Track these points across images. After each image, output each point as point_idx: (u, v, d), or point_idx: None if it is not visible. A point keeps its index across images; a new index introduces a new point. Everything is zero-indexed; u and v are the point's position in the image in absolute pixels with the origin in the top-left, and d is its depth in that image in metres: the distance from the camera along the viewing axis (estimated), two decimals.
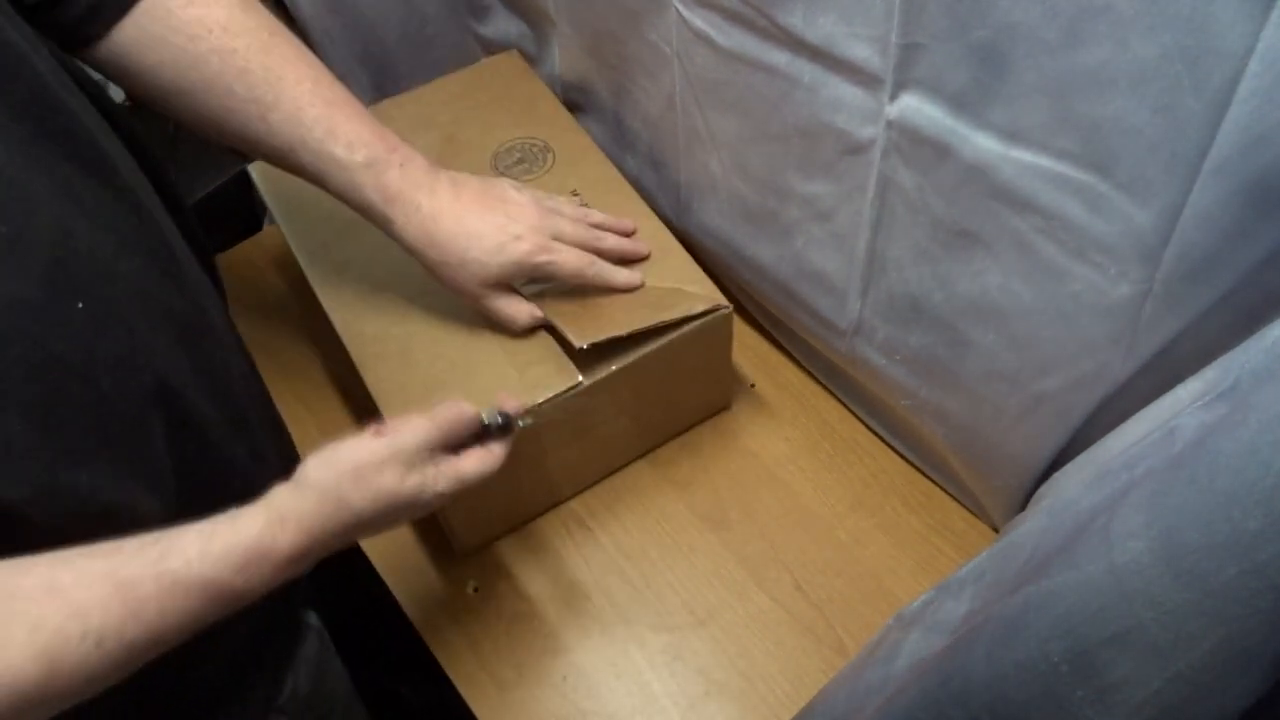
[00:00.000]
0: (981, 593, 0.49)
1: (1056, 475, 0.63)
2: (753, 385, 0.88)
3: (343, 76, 1.00)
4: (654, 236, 0.78)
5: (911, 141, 0.59)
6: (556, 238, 0.69)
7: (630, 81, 0.84)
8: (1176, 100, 0.44)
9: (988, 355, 0.64)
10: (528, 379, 0.70)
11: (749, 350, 0.90)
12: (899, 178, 0.62)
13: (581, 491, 0.82)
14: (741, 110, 0.72)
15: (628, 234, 0.77)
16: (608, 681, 0.73)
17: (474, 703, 0.72)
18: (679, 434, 0.85)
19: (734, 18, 0.66)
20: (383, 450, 0.55)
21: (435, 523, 0.76)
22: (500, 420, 0.62)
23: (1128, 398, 0.56)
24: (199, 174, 1.12)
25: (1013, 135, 0.53)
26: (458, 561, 0.79)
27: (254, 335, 0.91)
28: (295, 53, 0.63)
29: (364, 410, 0.86)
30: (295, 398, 0.88)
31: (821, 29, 0.60)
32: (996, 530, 0.78)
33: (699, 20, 0.70)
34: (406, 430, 0.57)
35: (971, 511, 0.79)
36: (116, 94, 1.19)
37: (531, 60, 0.97)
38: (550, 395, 0.69)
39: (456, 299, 0.71)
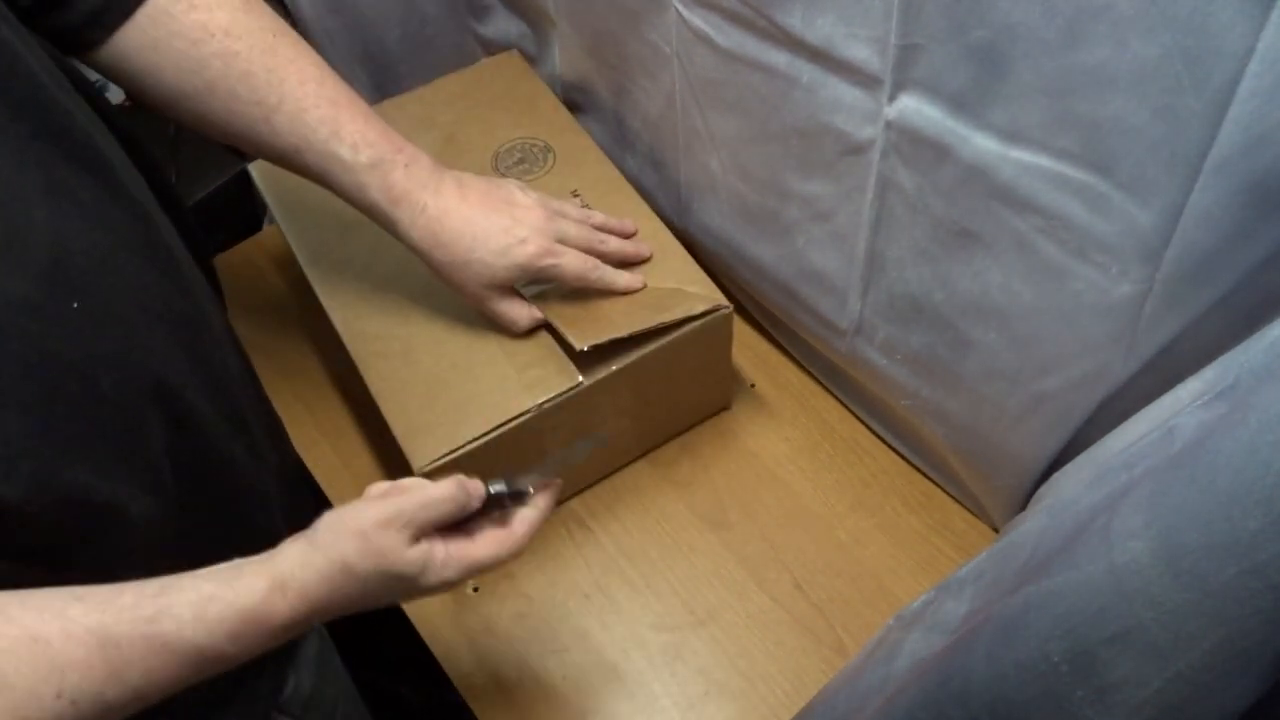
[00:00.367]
0: (981, 593, 0.49)
1: (1056, 475, 0.63)
2: (753, 385, 0.88)
3: (343, 77, 1.00)
4: (654, 237, 0.78)
5: (911, 142, 0.59)
6: (561, 240, 0.69)
7: (630, 81, 0.84)
8: (1177, 100, 0.44)
9: (988, 355, 0.64)
10: (528, 379, 0.70)
11: (749, 350, 0.90)
12: (898, 178, 0.62)
13: (583, 491, 0.82)
14: (741, 110, 0.72)
15: (629, 236, 0.77)
16: (608, 681, 0.73)
17: (474, 703, 0.72)
18: (679, 434, 0.85)
19: (733, 18, 0.66)
20: (386, 510, 0.53)
21: None
22: (506, 489, 0.57)
23: (1128, 397, 0.56)
24: (199, 174, 1.12)
25: (1012, 135, 0.53)
26: None
27: (254, 335, 0.91)
28: (298, 53, 0.63)
29: (364, 410, 0.86)
30: (295, 398, 0.88)
31: (820, 29, 0.60)
32: (996, 530, 0.78)
33: (699, 20, 0.70)
34: (409, 495, 0.54)
35: (971, 511, 0.79)
36: (116, 94, 1.19)
37: (531, 60, 0.97)
38: (551, 396, 0.69)
39: (457, 299, 0.71)
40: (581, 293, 0.72)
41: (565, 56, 0.93)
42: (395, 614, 0.77)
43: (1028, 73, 0.50)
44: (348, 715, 0.77)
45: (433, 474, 0.67)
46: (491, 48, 1.03)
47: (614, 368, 0.71)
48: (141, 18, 0.58)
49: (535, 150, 0.85)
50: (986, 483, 0.73)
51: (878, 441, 0.84)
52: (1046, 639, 0.36)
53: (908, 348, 0.71)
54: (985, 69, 0.52)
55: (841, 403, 0.86)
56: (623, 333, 0.70)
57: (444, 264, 0.67)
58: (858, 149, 0.64)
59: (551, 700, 0.72)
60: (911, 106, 0.58)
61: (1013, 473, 0.68)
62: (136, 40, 0.58)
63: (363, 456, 0.85)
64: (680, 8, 0.71)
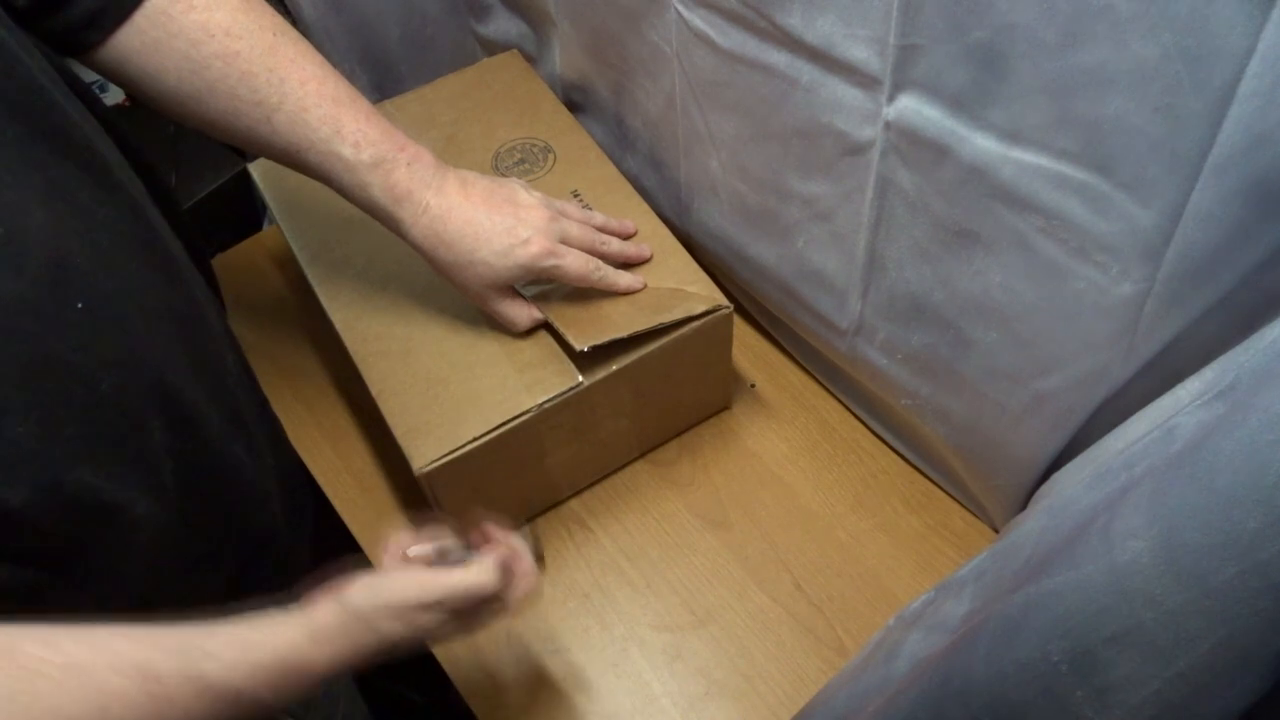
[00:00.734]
0: (981, 592, 0.49)
1: (1056, 475, 0.63)
2: (753, 385, 0.88)
3: (343, 77, 0.99)
4: (655, 237, 0.78)
5: (910, 142, 0.59)
6: (563, 240, 0.69)
7: (631, 81, 0.84)
8: (1177, 100, 0.44)
9: (989, 354, 0.64)
10: (528, 379, 0.70)
11: (749, 350, 0.90)
12: (898, 178, 0.62)
13: (581, 491, 0.82)
14: (741, 111, 0.72)
15: (629, 236, 0.77)
16: (608, 681, 0.73)
17: (474, 703, 0.72)
18: (679, 434, 0.85)
19: (733, 18, 0.66)
20: (427, 595, 0.54)
21: None
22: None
23: (1129, 397, 0.56)
24: (199, 174, 1.12)
25: (1012, 135, 0.53)
26: None
27: (254, 335, 0.92)
28: (300, 52, 0.62)
29: (365, 409, 0.86)
30: (295, 397, 0.88)
31: (820, 30, 0.60)
32: (996, 530, 0.78)
33: (699, 20, 0.70)
34: (454, 583, 0.55)
35: (971, 511, 0.79)
36: (115, 94, 1.19)
37: (532, 60, 0.97)
38: (550, 396, 0.69)
39: (457, 298, 0.71)
40: (582, 293, 0.72)
41: (566, 56, 0.93)
42: None
43: (1027, 73, 0.50)
44: (348, 715, 0.77)
45: (432, 475, 0.67)
46: (492, 48, 1.03)
47: (614, 368, 0.71)
48: (140, 19, 0.57)
49: (535, 150, 0.85)
50: (986, 482, 0.73)
51: (878, 441, 0.84)
52: (1046, 639, 0.36)
53: (908, 347, 0.71)
54: (985, 69, 0.52)
55: (841, 403, 0.86)
56: (623, 333, 0.70)
57: (446, 263, 0.67)
58: (857, 149, 0.64)
59: (551, 700, 0.72)
60: (911, 107, 0.58)
61: (1013, 472, 0.68)
62: (135, 42, 0.58)
63: (363, 456, 0.85)
64: (680, 8, 0.71)
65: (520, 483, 0.76)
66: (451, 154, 0.85)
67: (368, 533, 0.80)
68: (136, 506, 0.51)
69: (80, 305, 0.48)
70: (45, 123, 0.50)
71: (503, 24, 1.00)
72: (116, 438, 0.50)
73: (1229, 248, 0.46)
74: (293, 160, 0.63)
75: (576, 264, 0.69)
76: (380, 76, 1.02)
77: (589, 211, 0.77)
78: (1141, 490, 0.34)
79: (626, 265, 0.75)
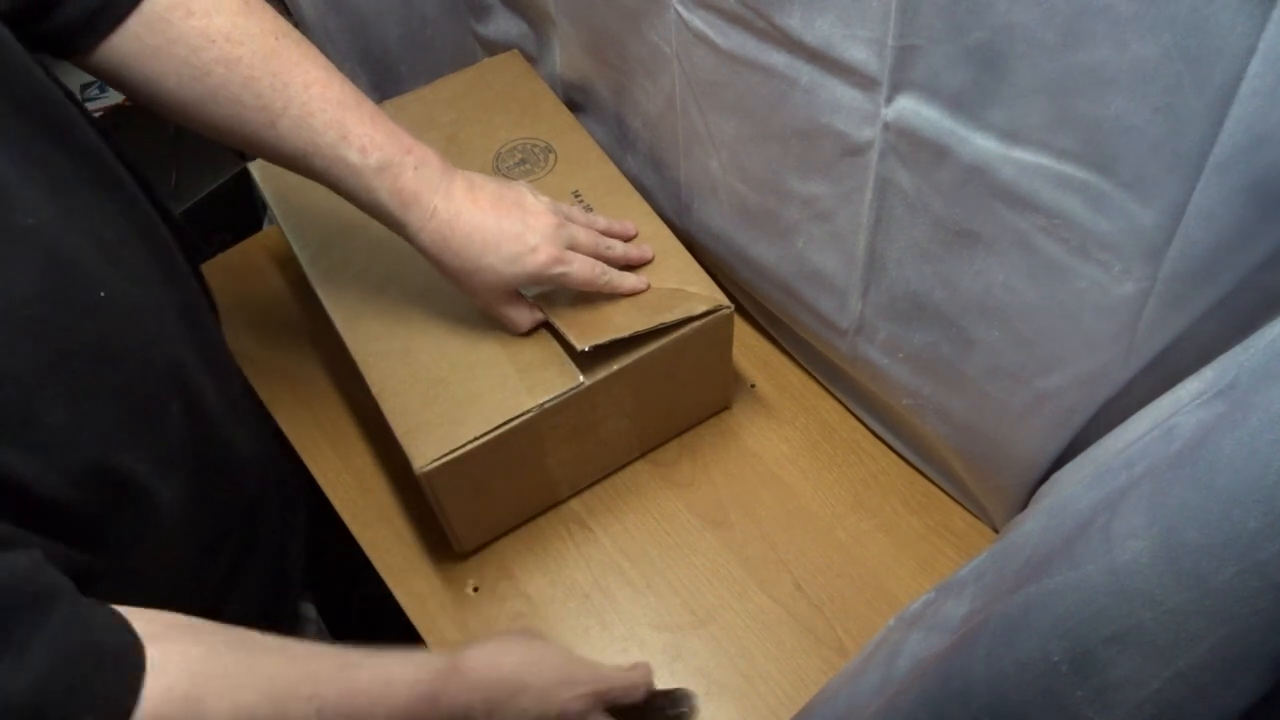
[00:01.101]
0: (981, 593, 0.49)
1: (1056, 475, 0.63)
2: (753, 386, 0.88)
3: None
4: (656, 237, 0.78)
5: (910, 143, 0.59)
6: (571, 246, 0.69)
7: (631, 81, 0.84)
8: (1178, 99, 0.44)
9: (991, 352, 0.64)
10: (529, 379, 0.70)
11: (750, 351, 0.90)
12: (897, 179, 0.62)
13: (582, 491, 0.82)
14: (741, 111, 0.72)
15: (630, 238, 0.77)
16: None
17: None
18: (679, 434, 0.85)
19: (733, 18, 0.66)
20: (585, 674, 0.61)
21: (435, 523, 0.76)
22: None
23: (1130, 397, 0.56)
24: (199, 174, 1.12)
25: (1012, 135, 0.53)
26: (458, 561, 0.79)
27: (254, 335, 0.92)
28: (302, 55, 0.62)
29: (365, 409, 0.86)
30: (295, 397, 0.88)
31: (819, 31, 0.60)
32: (996, 531, 0.78)
33: (698, 21, 0.70)
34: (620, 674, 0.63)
35: (971, 512, 0.79)
36: (115, 94, 1.19)
37: (532, 60, 0.97)
38: (551, 396, 0.69)
39: (458, 298, 0.71)
40: (584, 293, 0.72)
41: (566, 56, 0.93)
42: (395, 614, 0.77)
43: (1027, 73, 0.50)
44: None
45: (433, 474, 0.67)
46: (492, 48, 1.03)
47: (615, 367, 0.71)
48: (137, 25, 0.57)
49: (536, 150, 0.85)
50: (987, 483, 0.73)
51: (878, 442, 0.84)
52: (1046, 639, 0.36)
53: (910, 346, 0.71)
54: (984, 70, 0.52)
55: (841, 403, 0.86)
56: (623, 333, 0.70)
57: (453, 269, 0.66)
58: (856, 150, 0.64)
59: None
60: (910, 108, 0.58)
61: (1014, 472, 0.68)
62: (133, 48, 0.57)
63: (363, 456, 0.85)
64: (680, 8, 0.71)
65: (521, 482, 0.76)
66: (452, 154, 0.84)
67: (368, 533, 0.80)
68: (162, 491, 0.52)
69: (102, 294, 0.49)
70: (49, 120, 0.50)
71: (503, 24, 1.00)
72: (143, 422, 0.52)
73: (1230, 247, 0.46)
74: (298, 165, 0.63)
75: (583, 270, 0.69)
76: (380, 76, 1.02)
77: (591, 215, 0.77)
78: (1141, 490, 0.34)
79: (629, 268, 0.75)
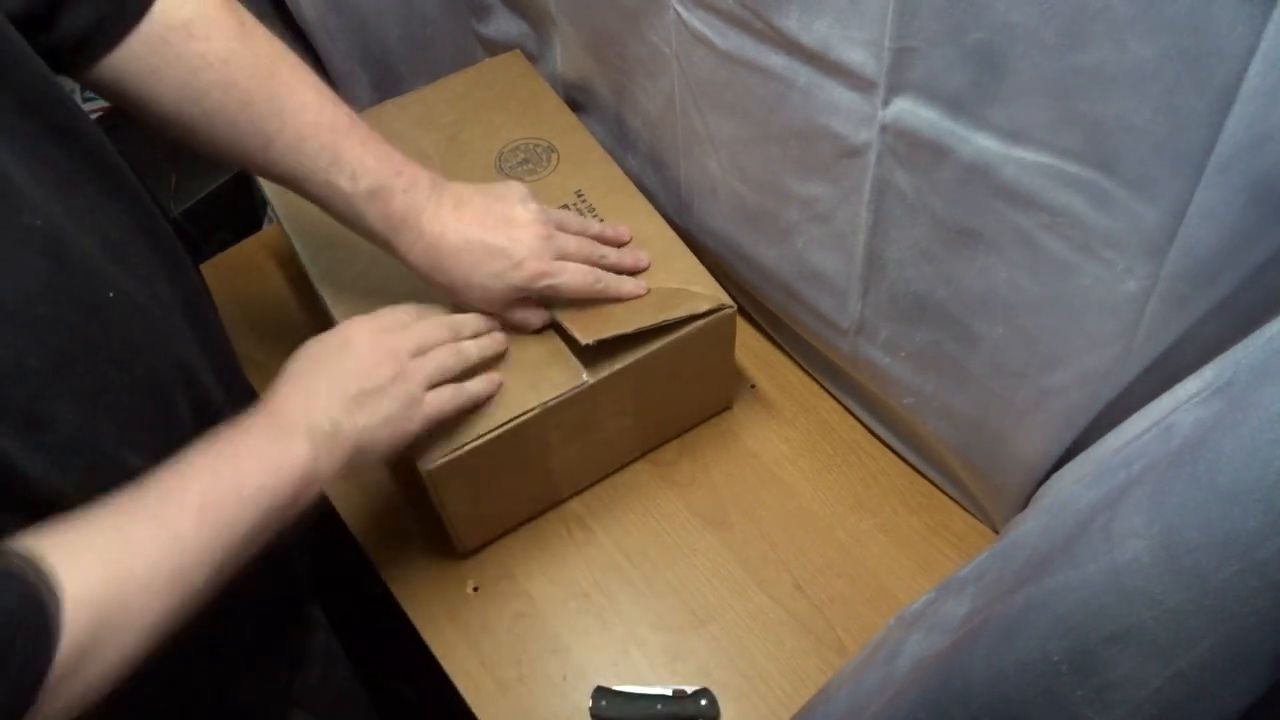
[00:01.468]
0: (982, 593, 0.49)
1: (1056, 474, 0.63)
2: (754, 386, 0.88)
3: (343, 76, 1.00)
4: (658, 236, 0.78)
5: (908, 145, 0.59)
6: (561, 256, 0.69)
7: (631, 81, 0.84)
8: (1179, 99, 0.44)
9: (996, 349, 0.64)
10: (532, 378, 0.70)
11: (750, 351, 0.90)
12: (896, 180, 0.62)
13: (583, 491, 0.82)
14: (740, 112, 0.72)
15: (624, 243, 0.77)
16: (608, 681, 0.73)
17: (474, 703, 0.72)
18: (681, 434, 0.85)
19: (732, 20, 0.66)
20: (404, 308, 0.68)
21: (436, 523, 0.76)
22: None
23: (1132, 396, 0.56)
24: (199, 174, 1.12)
25: (1014, 135, 0.53)
26: (458, 561, 0.79)
27: (256, 333, 0.92)
28: (298, 78, 0.62)
29: None
30: None
31: (816, 32, 0.60)
32: (996, 531, 0.78)
33: (697, 22, 0.70)
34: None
35: (971, 512, 0.79)
36: None
37: (533, 60, 0.97)
38: (554, 395, 0.69)
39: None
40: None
41: (566, 56, 0.93)
42: (395, 614, 0.77)
43: (1027, 73, 0.50)
44: (354, 711, 0.78)
45: (436, 472, 0.67)
46: (492, 47, 1.03)
47: (617, 367, 0.71)
48: (137, 44, 0.57)
49: (539, 150, 0.85)
50: (987, 482, 0.73)
51: (878, 442, 0.84)
52: (1047, 638, 0.36)
53: (912, 345, 0.71)
54: (983, 70, 0.52)
55: (841, 403, 0.86)
56: (627, 329, 0.70)
57: (445, 285, 0.67)
58: (853, 152, 0.64)
59: (551, 700, 0.72)
60: (907, 109, 0.58)
61: (1014, 472, 0.68)
62: (132, 66, 0.57)
63: None
64: (679, 9, 0.71)
65: (523, 481, 0.76)
66: (454, 155, 0.85)
67: (368, 533, 0.80)
68: None
69: (110, 294, 0.49)
70: (54, 119, 0.50)
71: (503, 24, 1.00)
72: (150, 419, 0.52)
73: (1232, 246, 0.46)
74: (292, 186, 0.64)
75: (574, 279, 0.69)
76: (380, 76, 1.02)
77: (586, 221, 0.76)
78: (1141, 489, 0.34)
79: (625, 274, 0.75)
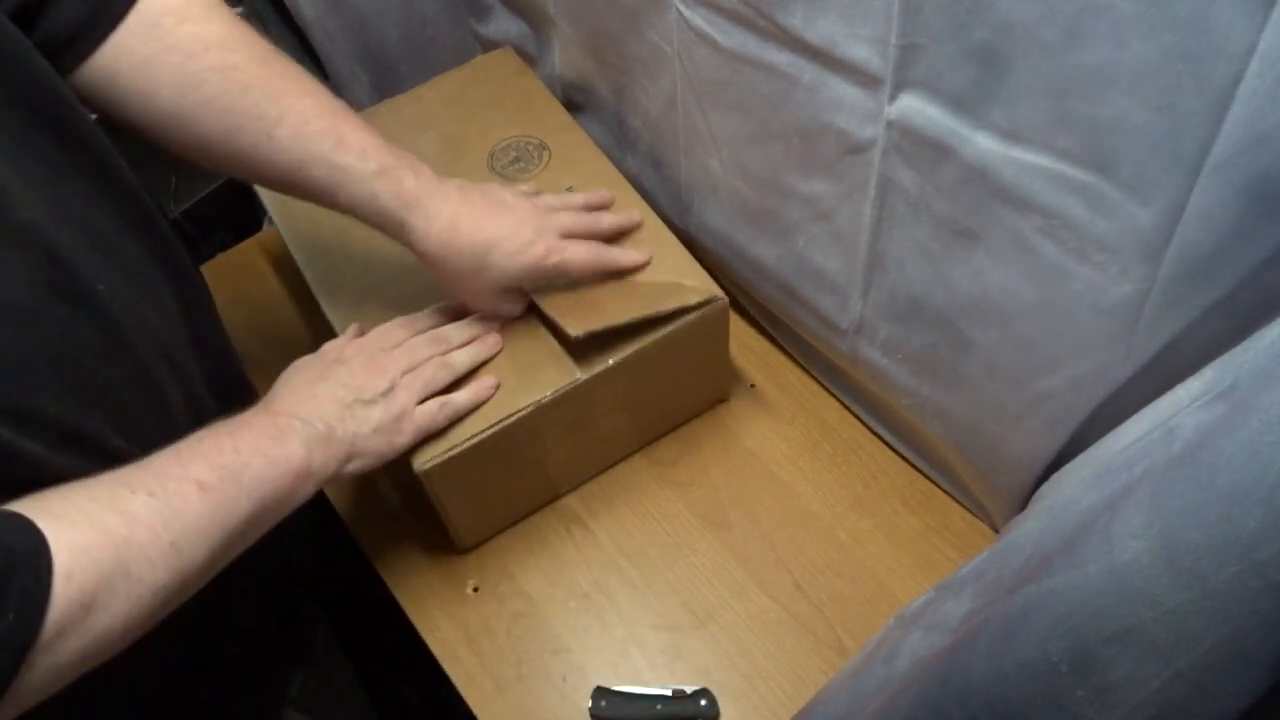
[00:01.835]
0: (981, 592, 0.49)
1: (1056, 475, 0.63)
2: (753, 385, 0.88)
3: (343, 76, 1.00)
4: (650, 230, 0.78)
5: (912, 142, 0.59)
6: (562, 233, 0.69)
7: (631, 81, 0.84)
8: (1177, 100, 0.44)
9: (990, 353, 0.64)
10: (526, 376, 0.70)
11: (749, 351, 0.90)
12: (899, 178, 0.62)
13: (581, 485, 0.82)
14: (742, 110, 0.72)
15: (607, 204, 0.78)
16: (608, 681, 0.73)
17: (474, 703, 0.72)
18: (676, 427, 0.85)
19: (734, 17, 0.66)
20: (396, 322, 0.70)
21: (435, 523, 0.76)
22: None
23: (1128, 397, 0.56)
24: (199, 174, 1.12)
25: (1013, 135, 0.53)
26: (458, 562, 0.79)
27: (253, 335, 0.91)
28: (291, 68, 0.62)
29: None
30: None
31: (821, 29, 0.60)
32: (996, 530, 0.78)
33: (699, 20, 0.70)
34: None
35: (971, 512, 0.79)
36: None
37: (532, 60, 0.97)
38: (549, 392, 0.69)
39: (454, 299, 0.71)
40: (578, 281, 0.72)
41: (566, 56, 0.93)
42: (395, 614, 0.77)
43: (1028, 73, 0.50)
44: (352, 710, 0.78)
45: (431, 472, 0.67)
46: (491, 48, 1.03)
47: (611, 362, 0.71)
48: (128, 35, 0.56)
49: (530, 148, 0.85)
50: (986, 482, 0.73)
51: (878, 441, 0.84)
52: (1047, 638, 0.36)
53: (909, 347, 0.71)
54: (986, 69, 0.52)
55: (841, 403, 0.86)
56: (618, 320, 0.70)
57: (457, 270, 0.66)
58: (858, 149, 0.64)
59: (551, 700, 0.72)
60: (912, 106, 0.58)
61: (1013, 472, 0.68)
62: (126, 60, 0.56)
63: None
64: (681, 7, 0.71)
65: (520, 478, 0.76)
66: (448, 154, 0.85)
67: (368, 533, 0.80)
68: None
69: (100, 288, 0.49)
70: (45, 111, 0.50)
71: (502, 24, 1.00)
72: (143, 413, 0.52)
73: (1229, 247, 0.46)
74: (295, 177, 0.62)
75: (580, 253, 0.69)
76: (380, 76, 1.02)
77: (567, 196, 0.77)
78: (1142, 490, 0.34)
79: (622, 236, 0.76)
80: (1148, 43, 0.44)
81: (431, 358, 0.68)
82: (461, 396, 0.68)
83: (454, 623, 0.76)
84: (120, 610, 0.43)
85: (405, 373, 0.66)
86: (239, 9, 0.92)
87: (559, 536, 0.80)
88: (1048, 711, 0.36)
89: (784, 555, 0.78)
